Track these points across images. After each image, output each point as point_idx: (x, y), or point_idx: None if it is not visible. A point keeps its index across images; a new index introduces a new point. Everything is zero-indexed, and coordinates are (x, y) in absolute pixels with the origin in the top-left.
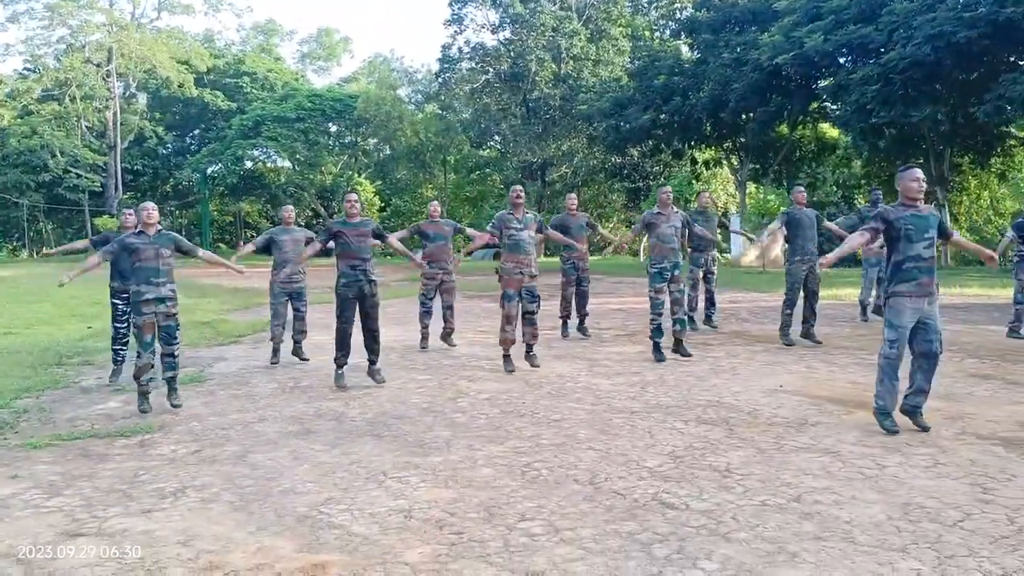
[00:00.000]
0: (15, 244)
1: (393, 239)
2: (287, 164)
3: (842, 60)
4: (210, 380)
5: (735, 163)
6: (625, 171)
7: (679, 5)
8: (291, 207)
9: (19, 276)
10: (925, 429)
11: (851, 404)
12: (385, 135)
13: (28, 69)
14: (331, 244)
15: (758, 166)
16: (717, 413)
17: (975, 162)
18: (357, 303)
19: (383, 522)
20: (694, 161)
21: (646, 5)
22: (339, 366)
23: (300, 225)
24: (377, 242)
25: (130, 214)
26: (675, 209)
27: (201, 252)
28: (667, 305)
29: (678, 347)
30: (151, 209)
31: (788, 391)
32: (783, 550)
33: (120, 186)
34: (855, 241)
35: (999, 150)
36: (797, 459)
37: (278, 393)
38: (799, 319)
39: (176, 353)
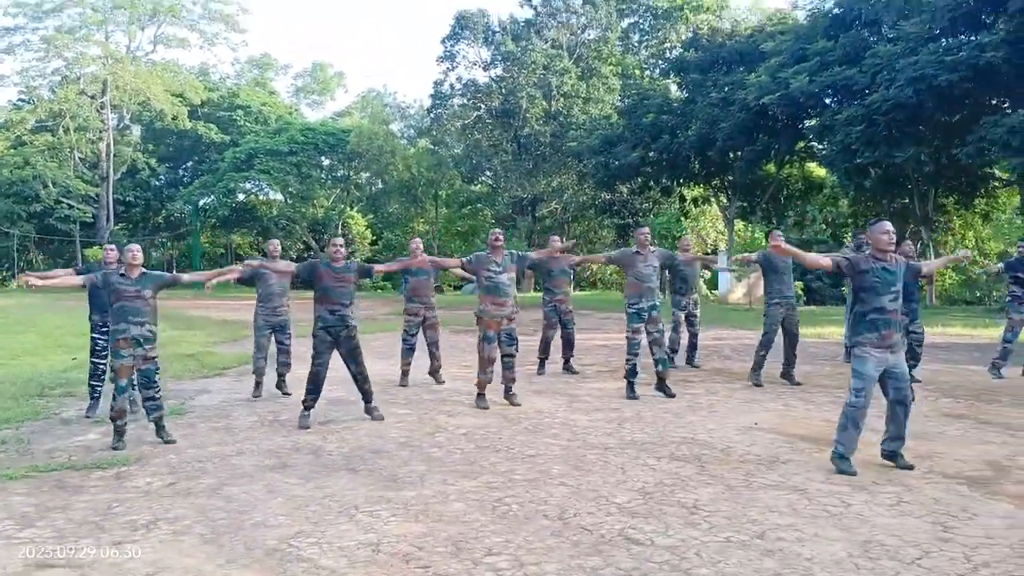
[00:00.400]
0: (5, 274)
1: (379, 267)
2: (279, 197)
3: (827, 101)
4: (191, 413)
5: (723, 201)
6: (615, 207)
7: (669, 44)
8: (276, 241)
9: (8, 306)
10: (910, 468)
11: (823, 442)
12: (377, 169)
13: (23, 100)
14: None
15: (746, 204)
16: (690, 450)
17: (960, 203)
18: (333, 348)
19: (351, 555)
20: (682, 199)
21: (636, 44)
22: (305, 407)
23: (290, 258)
24: (365, 279)
25: (111, 250)
26: (653, 248)
27: (185, 277)
28: (645, 345)
29: (661, 386)
30: (136, 251)
31: (763, 429)
32: None
33: (112, 217)
34: (820, 261)
35: (983, 191)
36: (765, 496)
37: (257, 426)
38: (779, 359)
39: (157, 396)
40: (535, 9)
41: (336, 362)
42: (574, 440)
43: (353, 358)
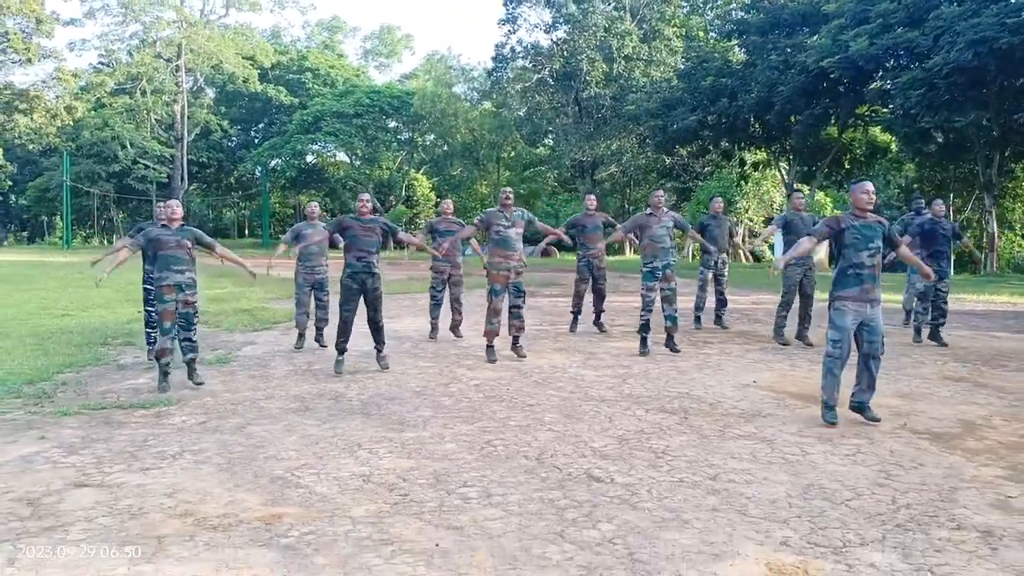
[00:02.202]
0: (88, 231)
1: (403, 235)
2: (346, 159)
3: (889, 64)
4: (234, 362)
5: (785, 165)
6: (675, 171)
7: (735, 5)
8: (315, 204)
9: (87, 262)
10: (876, 420)
11: (812, 399)
12: (441, 132)
13: (102, 63)
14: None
15: (807, 168)
16: (681, 404)
17: None
18: (360, 295)
19: (343, 484)
20: (742, 163)
21: (702, 5)
22: (340, 351)
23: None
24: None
25: (162, 207)
26: (666, 210)
27: (219, 248)
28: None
29: (669, 342)
30: (175, 206)
31: (759, 386)
32: (678, 517)
33: (186, 177)
34: (804, 246)
35: None
36: (732, 445)
37: (291, 375)
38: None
39: (194, 337)
40: None
41: (388, 323)
42: (576, 392)
43: (374, 305)
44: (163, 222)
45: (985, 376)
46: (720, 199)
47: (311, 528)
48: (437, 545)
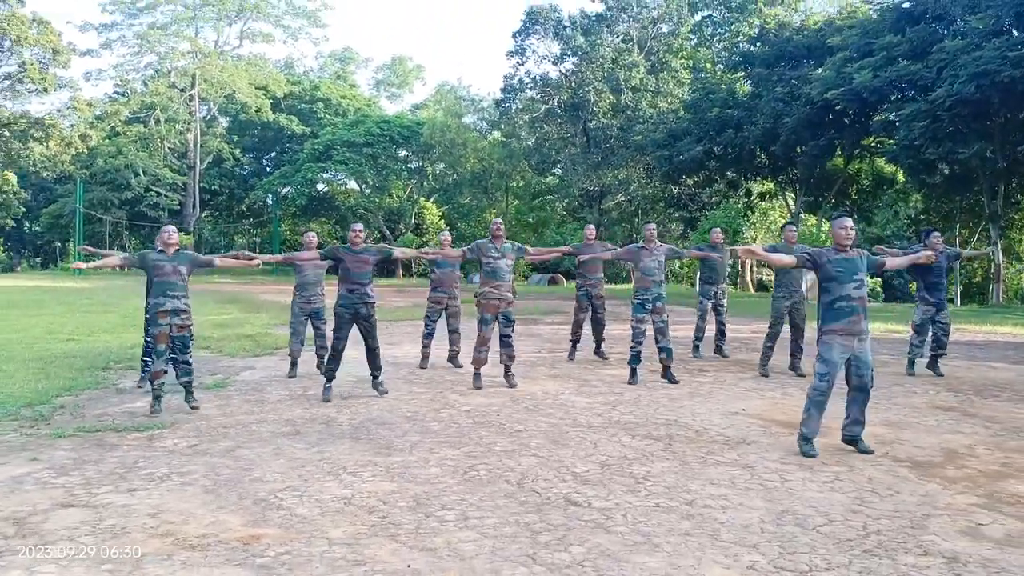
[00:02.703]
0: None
1: (398, 252)
2: (357, 187)
3: (893, 96)
4: (231, 387)
5: (791, 195)
6: (682, 201)
7: (742, 38)
8: (313, 234)
9: (96, 288)
10: (870, 452)
11: (798, 427)
12: (450, 161)
13: (118, 92)
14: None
15: (812, 199)
16: (667, 431)
17: None
18: (352, 323)
19: (324, 507)
20: (749, 193)
21: (709, 37)
22: (328, 379)
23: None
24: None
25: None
26: (658, 243)
27: (217, 260)
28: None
29: (666, 373)
30: (172, 232)
31: (747, 414)
32: (649, 541)
33: (198, 204)
34: (784, 260)
35: None
36: (713, 471)
37: (286, 400)
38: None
39: (190, 360)
40: (606, 3)
41: (387, 349)
42: (565, 419)
43: (368, 333)
44: (159, 248)
45: (975, 406)
46: (719, 230)
47: (287, 549)
48: (409, 566)
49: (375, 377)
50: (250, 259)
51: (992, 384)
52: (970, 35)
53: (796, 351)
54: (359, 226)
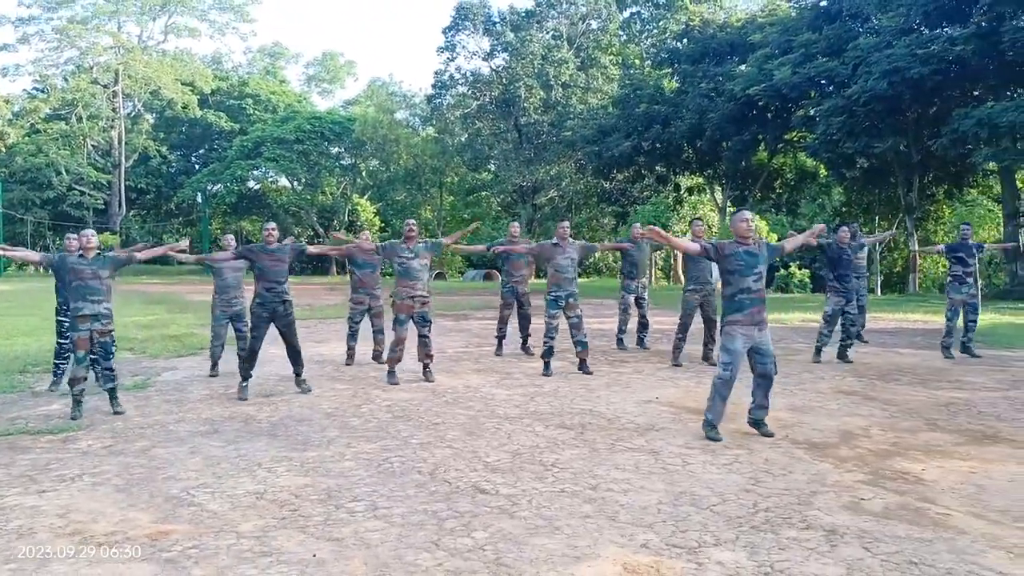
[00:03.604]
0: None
1: (312, 248)
2: (288, 184)
3: (811, 92)
4: (152, 388)
5: (719, 189)
6: (613, 196)
7: (669, 35)
8: (231, 236)
9: (18, 291)
10: (770, 435)
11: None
12: (383, 157)
13: (37, 89)
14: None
15: (738, 193)
16: (581, 420)
17: (948, 193)
18: (270, 322)
19: (236, 502)
20: (677, 187)
21: (638, 34)
22: (244, 378)
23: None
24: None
25: (73, 239)
26: (571, 241)
27: (138, 254)
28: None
29: (582, 366)
30: (90, 236)
31: (660, 402)
32: (551, 524)
33: (124, 204)
34: (687, 245)
35: (971, 181)
36: (620, 458)
37: (206, 399)
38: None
39: (112, 367)
40: None
41: (314, 347)
42: (483, 411)
43: (287, 331)
44: (79, 252)
45: (877, 390)
46: (638, 225)
47: (195, 543)
48: (314, 555)
49: (298, 375)
50: (174, 248)
51: (896, 369)
52: (883, 33)
53: (709, 341)
54: (272, 225)
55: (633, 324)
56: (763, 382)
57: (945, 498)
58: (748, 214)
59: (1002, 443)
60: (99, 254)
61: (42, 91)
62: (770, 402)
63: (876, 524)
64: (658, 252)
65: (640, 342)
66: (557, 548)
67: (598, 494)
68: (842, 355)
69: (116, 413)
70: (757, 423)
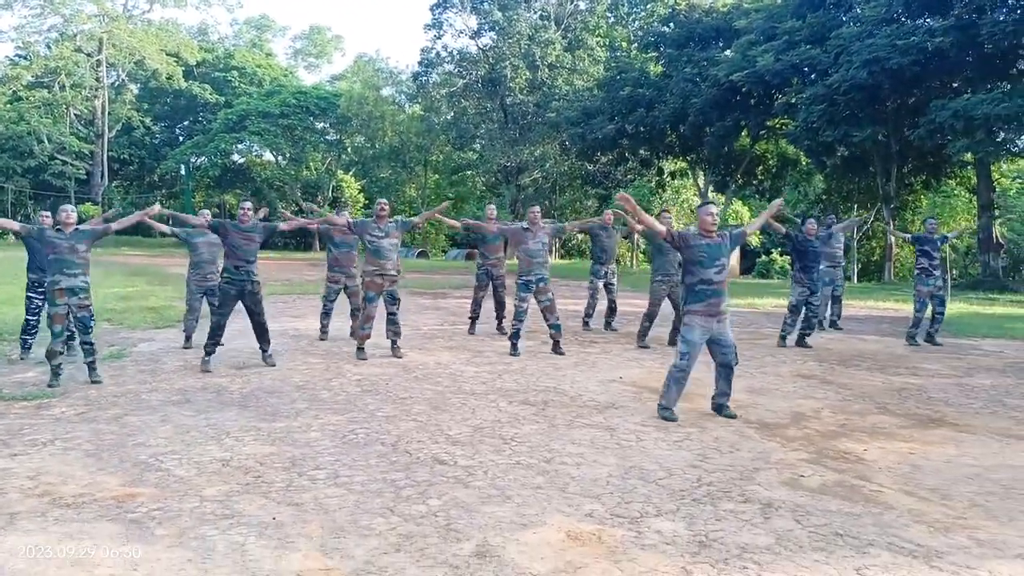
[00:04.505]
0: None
1: (283, 224)
2: (272, 158)
3: (794, 79)
4: (127, 358)
5: (701, 174)
6: (596, 178)
7: (656, 17)
8: (207, 211)
9: None
10: (733, 416)
11: None
12: (369, 134)
13: (19, 56)
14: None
15: (720, 178)
16: (544, 397)
17: (925, 183)
18: (238, 299)
19: (202, 468)
20: (660, 171)
21: (625, 16)
22: (208, 353)
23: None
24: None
25: (46, 216)
26: (542, 225)
27: (113, 225)
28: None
29: (556, 348)
30: (70, 211)
31: (623, 382)
32: (503, 494)
33: (106, 174)
34: (655, 225)
35: (949, 172)
36: (577, 433)
37: (180, 370)
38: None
39: (92, 340)
40: None
41: (289, 322)
42: (451, 387)
43: (255, 308)
44: (57, 226)
45: (835, 374)
46: (610, 212)
47: (160, 505)
48: (274, 519)
49: (264, 350)
50: (147, 213)
51: (857, 355)
52: (865, 22)
53: (679, 325)
54: (248, 204)
55: (603, 307)
56: (724, 371)
57: (880, 476)
58: (714, 207)
59: (945, 426)
60: (76, 229)
61: (25, 58)
62: (731, 388)
63: (811, 499)
64: (627, 240)
65: (607, 326)
66: (506, 516)
67: (552, 467)
68: (801, 342)
69: (94, 383)
70: (720, 408)
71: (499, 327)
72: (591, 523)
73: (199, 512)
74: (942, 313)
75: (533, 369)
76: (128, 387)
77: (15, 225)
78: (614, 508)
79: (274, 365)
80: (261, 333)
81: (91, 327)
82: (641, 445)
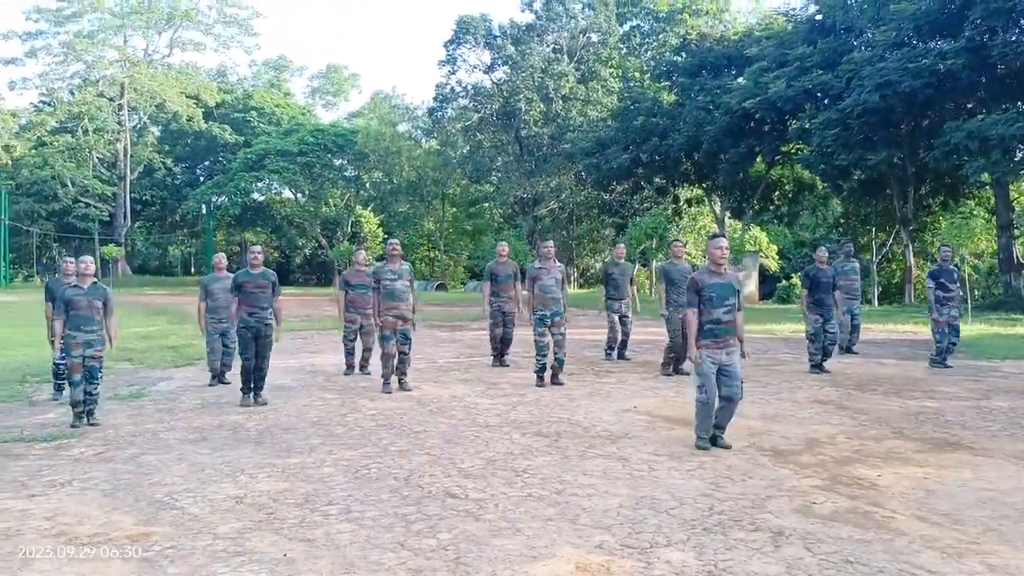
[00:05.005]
0: (29, 270)
1: (277, 303)
2: (292, 196)
3: (806, 105)
4: (146, 397)
5: (717, 201)
6: (612, 207)
7: (668, 48)
8: (222, 255)
9: (22, 302)
10: (728, 447)
11: (681, 422)
12: (386, 169)
13: (43, 102)
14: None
15: (736, 204)
16: (558, 428)
17: (943, 204)
18: (255, 342)
19: (216, 505)
20: (676, 199)
21: (638, 47)
22: (244, 393)
23: (304, 255)
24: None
25: (70, 262)
26: (556, 263)
27: (111, 318)
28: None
29: (554, 378)
30: (89, 262)
31: (638, 412)
32: (513, 526)
33: (129, 215)
34: (693, 324)
35: (967, 192)
36: (589, 464)
37: (197, 408)
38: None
39: (95, 391)
40: (536, 14)
41: (307, 358)
42: (465, 420)
43: (261, 353)
44: (74, 281)
45: (851, 399)
46: (622, 246)
47: (173, 543)
48: (285, 555)
49: (258, 391)
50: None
51: (874, 379)
52: (876, 47)
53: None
54: (257, 248)
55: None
56: (728, 405)
57: (893, 502)
58: (723, 242)
59: (961, 450)
60: (95, 284)
61: (49, 104)
62: (734, 418)
63: (822, 526)
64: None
65: (620, 355)
66: (516, 548)
67: (563, 498)
68: (819, 366)
69: (91, 424)
70: (713, 439)
71: (502, 362)
72: (601, 554)
73: (211, 550)
74: (955, 343)
75: (548, 400)
76: (146, 426)
77: (59, 326)
78: (624, 539)
79: (265, 403)
80: (258, 375)
81: (98, 378)
82: (653, 475)
